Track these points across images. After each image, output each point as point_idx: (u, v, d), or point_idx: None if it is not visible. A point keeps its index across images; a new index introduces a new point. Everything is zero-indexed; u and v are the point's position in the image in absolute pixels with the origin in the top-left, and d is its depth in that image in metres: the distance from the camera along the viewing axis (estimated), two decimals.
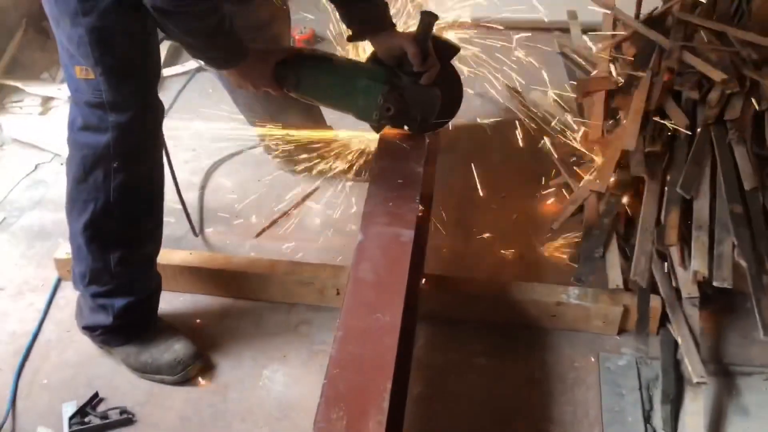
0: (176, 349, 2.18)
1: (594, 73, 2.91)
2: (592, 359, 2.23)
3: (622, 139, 2.43)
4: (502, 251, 2.55)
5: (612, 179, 2.44)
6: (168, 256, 2.39)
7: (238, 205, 2.80)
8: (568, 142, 2.70)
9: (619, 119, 2.60)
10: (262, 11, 2.52)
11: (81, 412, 2.09)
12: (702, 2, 2.89)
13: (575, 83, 2.93)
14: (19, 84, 3.38)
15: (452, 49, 2.33)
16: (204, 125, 3.16)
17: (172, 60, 3.61)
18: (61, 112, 3.14)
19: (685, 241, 2.28)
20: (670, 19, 2.90)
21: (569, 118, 2.80)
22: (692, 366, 2.06)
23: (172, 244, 2.52)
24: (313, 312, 2.38)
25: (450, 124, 2.45)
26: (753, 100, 2.50)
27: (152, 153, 2.09)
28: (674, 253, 2.26)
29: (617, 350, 2.25)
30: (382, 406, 1.61)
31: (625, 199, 2.45)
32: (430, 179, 2.40)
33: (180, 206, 2.52)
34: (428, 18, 2.15)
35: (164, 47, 3.52)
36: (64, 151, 2.08)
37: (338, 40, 2.77)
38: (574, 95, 2.91)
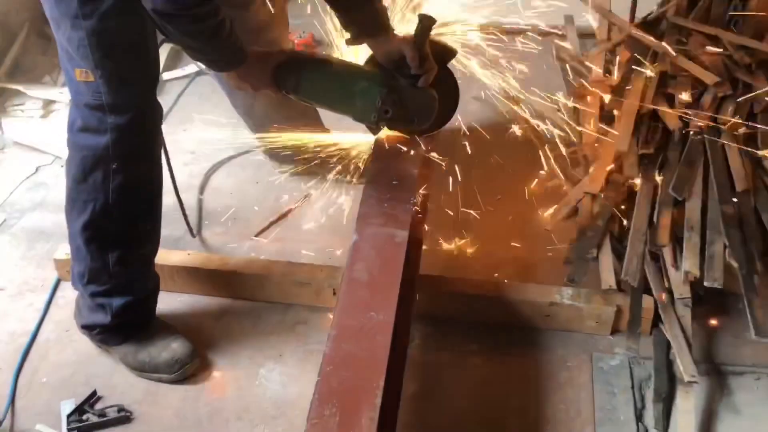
0: (173, 348, 2.21)
1: (589, 77, 2.93)
2: (585, 359, 2.25)
3: (615, 141, 2.46)
4: (496, 252, 2.57)
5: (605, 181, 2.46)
6: (166, 256, 2.42)
7: (237, 207, 2.83)
8: (564, 145, 2.72)
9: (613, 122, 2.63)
10: (260, 15, 2.54)
11: (79, 410, 2.11)
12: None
13: (570, 87, 2.96)
14: (20, 87, 3.41)
15: (449, 53, 2.35)
16: (203, 128, 3.20)
17: (173, 64, 3.65)
18: (62, 115, 3.17)
19: (677, 242, 2.31)
20: (664, 23, 2.92)
21: (564, 116, 2.82)
22: (683, 365, 2.08)
23: (171, 244, 2.56)
24: (309, 312, 2.40)
25: (447, 127, 2.47)
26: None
27: (151, 154, 2.12)
28: (666, 253, 2.28)
29: (610, 350, 2.28)
30: (374, 402, 1.63)
31: (618, 201, 2.47)
32: (427, 181, 2.43)
33: (178, 207, 2.54)
34: (426, 21, 2.17)
35: (165, 51, 3.56)
36: (65, 153, 2.11)
37: (337, 44, 2.79)
38: (570, 99, 2.93)
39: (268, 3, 2.54)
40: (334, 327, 1.80)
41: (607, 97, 2.72)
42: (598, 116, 2.67)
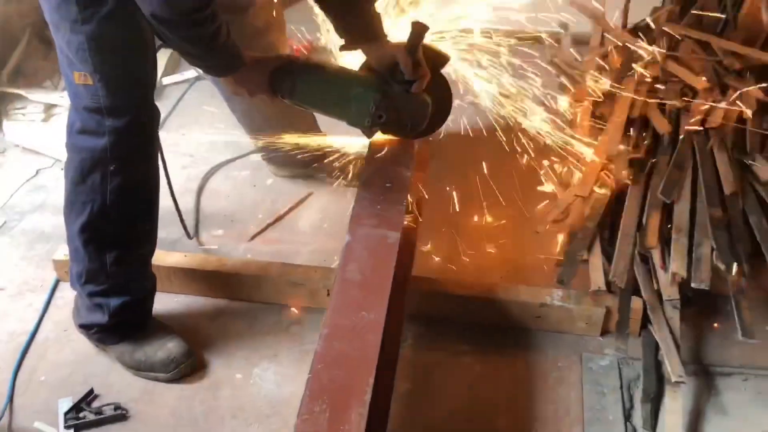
0: (169, 347, 2.24)
1: (581, 82, 2.97)
2: (575, 359, 2.28)
3: (606, 145, 2.50)
4: (489, 254, 2.60)
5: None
6: (163, 257, 2.46)
7: (234, 210, 2.87)
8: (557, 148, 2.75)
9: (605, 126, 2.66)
10: (257, 20, 2.58)
11: (76, 408, 2.15)
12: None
13: (564, 92, 2.99)
14: (22, 92, 3.45)
15: (442, 59, 2.38)
16: (202, 132, 3.24)
17: (172, 69, 3.68)
18: (63, 118, 3.15)
19: (666, 244, 2.34)
20: (655, 29, 2.96)
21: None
22: (671, 365, 2.11)
23: (168, 246, 2.59)
24: (304, 313, 2.44)
25: (441, 131, 2.50)
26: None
27: (148, 157, 2.16)
28: (655, 255, 2.31)
29: (600, 351, 2.31)
30: (363, 399, 1.66)
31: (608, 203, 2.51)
32: (421, 184, 2.46)
33: (176, 210, 2.58)
34: (419, 28, 2.21)
35: (165, 56, 3.59)
36: (65, 156, 2.15)
37: (333, 50, 2.82)
38: (563, 104, 2.96)
39: (266, 9, 2.59)
40: (326, 326, 1.83)
41: (598, 103, 2.76)
42: (589, 120, 2.71)
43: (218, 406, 2.18)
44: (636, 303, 2.28)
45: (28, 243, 2.76)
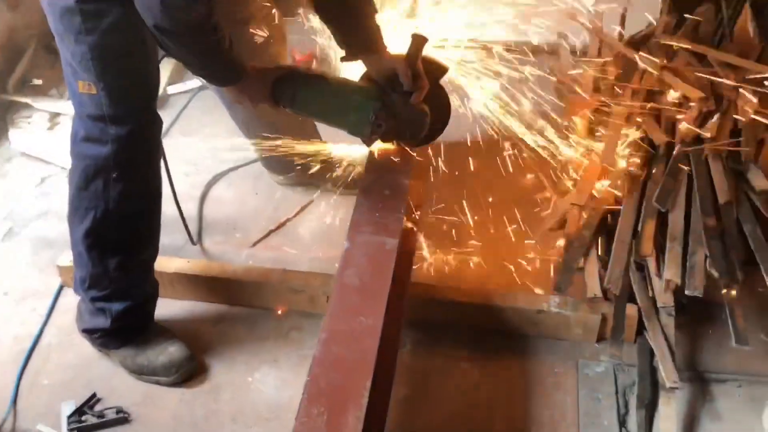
0: (171, 352, 2.28)
1: (579, 93, 3.00)
2: (572, 365, 2.31)
3: (602, 154, 2.53)
4: (487, 261, 2.63)
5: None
6: (166, 263, 2.49)
7: (236, 217, 2.91)
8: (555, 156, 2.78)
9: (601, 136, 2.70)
10: (259, 31, 2.62)
11: (79, 412, 2.19)
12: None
13: (562, 102, 3.02)
14: (28, 100, 3.50)
15: (441, 70, 2.41)
16: (205, 141, 3.28)
17: (176, 78, 3.72)
18: (68, 127, 3.22)
19: (661, 252, 2.37)
20: (652, 41, 3.00)
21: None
22: (665, 371, 2.14)
23: (172, 253, 2.63)
24: (304, 318, 2.47)
25: (440, 140, 2.53)
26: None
27: (150, 164, 2.20)
28: (650, 263, 2.34)
29: (596, 357, 2.34)
30: (360, 402, 1.70)
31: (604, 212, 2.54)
32: (420, 192, 2.50)
33: (180, 217, 2.62)
34: (418, 40, 2.24)
35: (169, 66, 3.64)
36: (70, 164, 2.19)
37: (334, 61, 2.86)
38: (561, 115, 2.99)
39: (267, 21, 2.63)
40: (324, 330, 1.87)
41: (594, 112, 2.79)
42: (586, 131, 2.74)
43: (219, 410, 2.22)
44: (631, 310, 2.31)
45: (33, 249, 2.80)
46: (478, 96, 2.73)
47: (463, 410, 2.21)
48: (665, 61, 2.82)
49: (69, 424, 2.16)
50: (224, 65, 2.04)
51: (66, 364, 2.35)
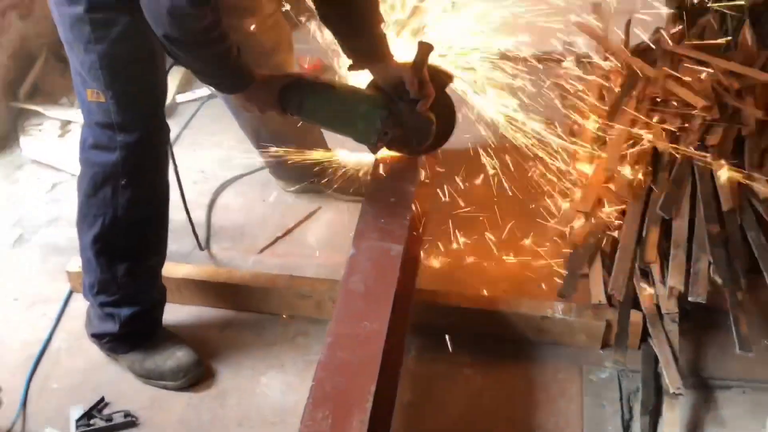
0: (179, 356, 2.30)
1: (585, 100, 3.01)
2: (576, 372, 2.32)
3: (606, 162, 2.55)
4: (492, 267, 2.64)
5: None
6: (174, 269, 2.52)
7: (244, 224, 2.94)
8: (560, 167, 2.80)
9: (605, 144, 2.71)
10: (266, 40, 2.65)
11: (87, 415, 2.21)
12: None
13: (567, 110, 3.03)
14: (39, 108, 3.54)
15: (447, 78, 2.44)
16: (213, 149, 3.32)
17: (185, 87, 3.76)
18: (78, 135, 3.27)
19: (665, 259, 2.38)
20: (657, 49, 3.01)
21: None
22: (669, 377, 2.14)
23: (180, 259, 2.65)
24: (310, 324, 2.49)
25: (446, 147, 2.55)
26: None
27: (158, 171, 2.22)
28: (655, 270, 2.35)
29: (600, 363, 2.34)
30: (365, 407, 1.71)
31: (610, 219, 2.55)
32: (426, 199, 2.52)
33: (188, 224, 2.65)
34: (424, 48, 2.27)
35: (178, 75, 3.67)
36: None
37: (341, 69, 2.88)
38: (566, 123, 3.01)
39: (275, 29, 2.66)
40: (329, 335, 1.89)
41: (599, 121, 2.81)
42: (590, 138, 2.76)
43: (225, 414, 2.24)
44: (635, 316, 2.32)
45: (42, 255, 2.83)
46: (487, 105, 2.75)
47: (466, 416, 2.22)
48: (670, 70, 2.84)
49: (77, 427, 2.18)
50: (232, 73, 2.06)
51: (75, 369, 2.38)
